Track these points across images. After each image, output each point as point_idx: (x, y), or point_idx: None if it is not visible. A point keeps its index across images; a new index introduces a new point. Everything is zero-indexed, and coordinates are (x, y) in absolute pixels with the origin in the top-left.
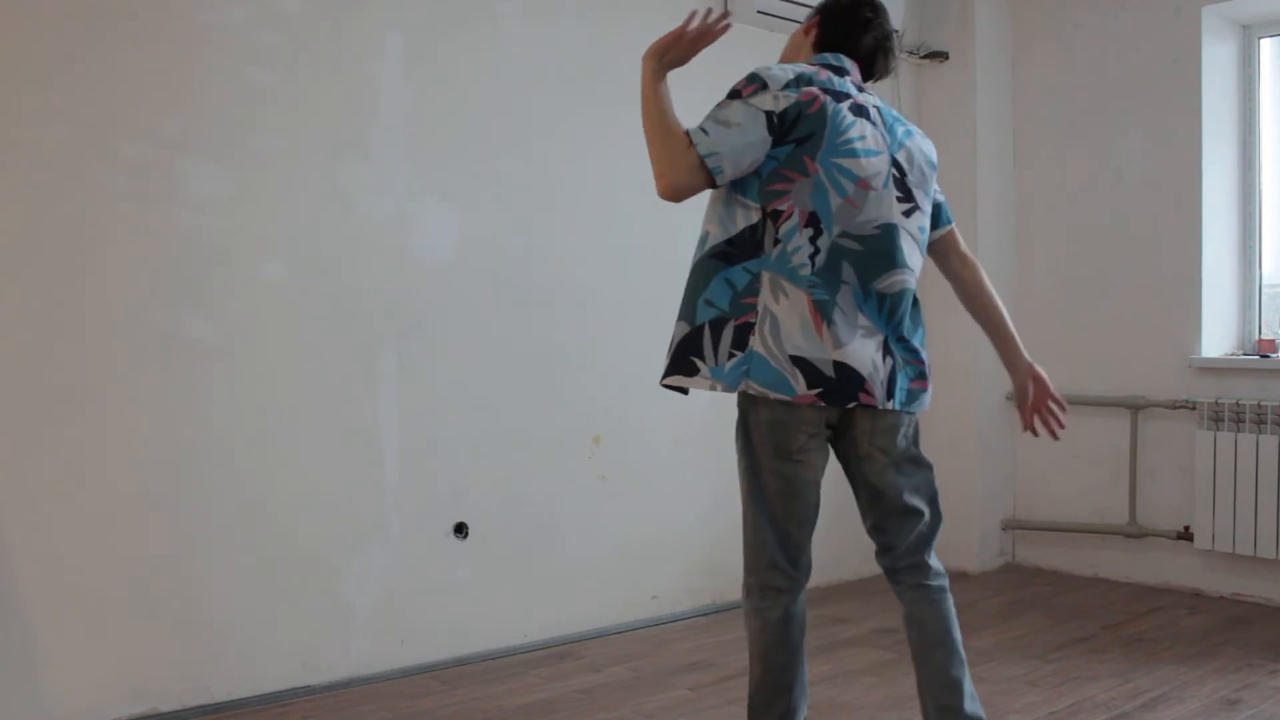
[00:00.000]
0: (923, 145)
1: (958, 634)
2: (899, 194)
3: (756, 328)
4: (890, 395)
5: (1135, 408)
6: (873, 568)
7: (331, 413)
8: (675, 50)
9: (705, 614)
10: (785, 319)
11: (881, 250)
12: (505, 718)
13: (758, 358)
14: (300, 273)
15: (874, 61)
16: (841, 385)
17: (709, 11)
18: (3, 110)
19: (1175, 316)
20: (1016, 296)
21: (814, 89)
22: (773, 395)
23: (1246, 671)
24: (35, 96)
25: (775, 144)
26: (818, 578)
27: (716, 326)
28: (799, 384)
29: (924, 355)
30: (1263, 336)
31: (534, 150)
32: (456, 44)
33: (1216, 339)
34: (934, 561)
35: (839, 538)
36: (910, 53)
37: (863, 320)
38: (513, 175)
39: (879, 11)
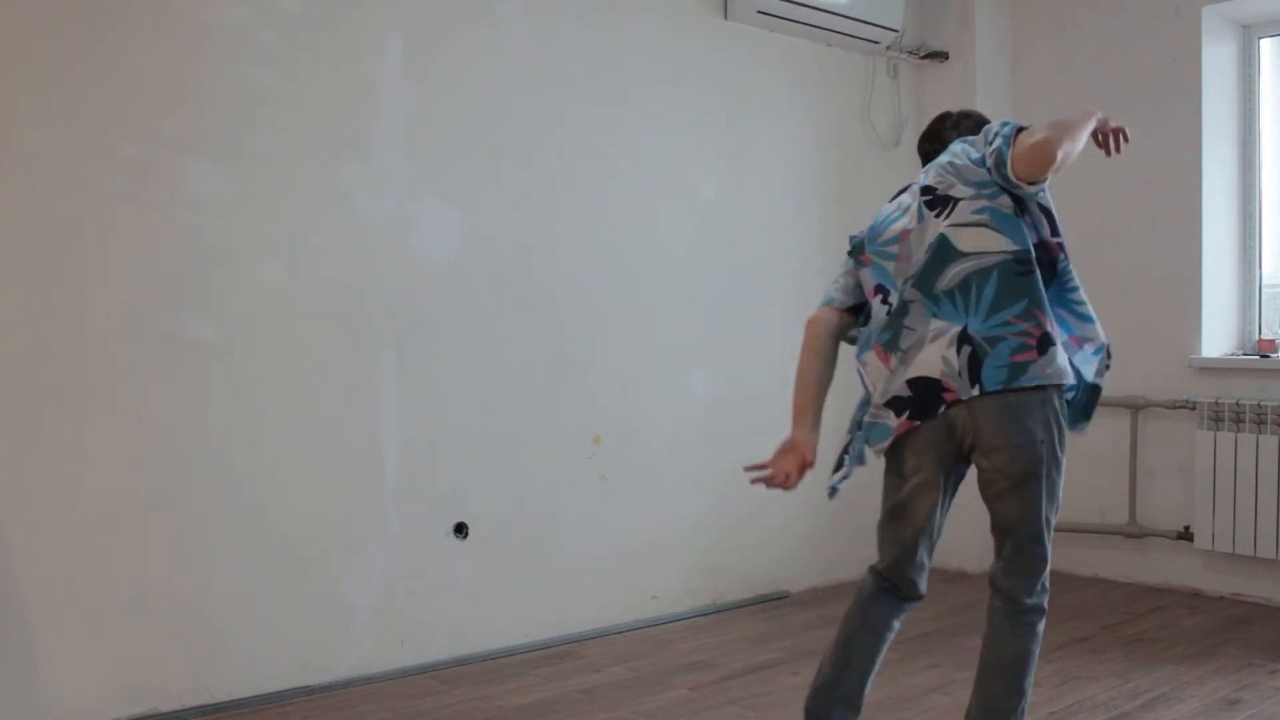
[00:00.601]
0: (956, 149)
1: (1023, 667)
2: (934, 211)
3: (858, 405)
4: (975, 381)
5: (1135, 408)
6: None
7: (331, 413)
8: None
9: (705, 614)
10: (873, 381)
11: (932, 262)
12: (505, 718)
13: (866, 426)
14: (300, 273)
15: (930, 151)
16: (921, 398)
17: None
18: (3, 110)
19: (1175, 316)
20: None
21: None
22: (882, 444)
23: (1246, 671)
24: (35, 96)
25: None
26: (817, 578)
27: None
28: (892, 420)
29: (1026, 326)
30: (1263, 336)
31: (534, 150)
32: (456, 44)
33: (1216, 339)
34: (1035, 588)
35: (839, 538)
36: (910, 53)
37: (935, 325)
38: (513, 175)
39: (932, 137)
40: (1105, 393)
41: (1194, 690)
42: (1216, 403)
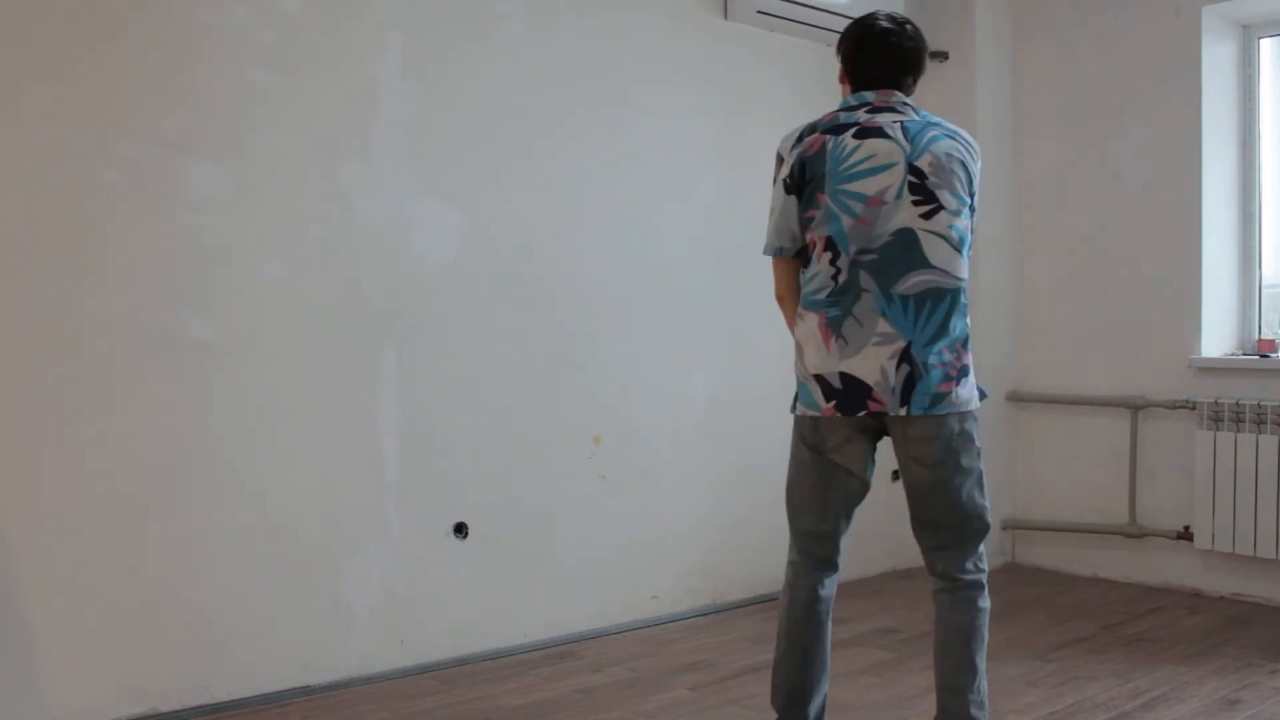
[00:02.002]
0: (955, 148)
1: (975, 642)
2: (915, 198)
3: (796, 358)
4: (905, 402)
5: (1135, 408)
6: (872, 568)
7: (331, 413)
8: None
9: (705, 614)
10: (805, 342)
11: (896, 255)
12: (505, 718)
13: (799, 381)
14: (300, 273)
15: (895, 79)
16: (849, 394)
17: None
18: (3, 110)
19: (1175, 316)
20: (1017, 296)
21: (816, 134)
22: (809, 412)
23: (1246, 671)
24: (35, 96)
25: (799, 197)
26: None
27: None
28: (820, 398)
29: (952, 359)
30: (1263, 336)
31: (534, 150)
32: (456, 44)
33: (1216, 339)
34: (967, 567)
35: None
36: None
37: (883, 326)
38: (513, 175)
39: (879, 36)
40: (1106, 392)
41: (1194, 690)
42: (1216, 403)
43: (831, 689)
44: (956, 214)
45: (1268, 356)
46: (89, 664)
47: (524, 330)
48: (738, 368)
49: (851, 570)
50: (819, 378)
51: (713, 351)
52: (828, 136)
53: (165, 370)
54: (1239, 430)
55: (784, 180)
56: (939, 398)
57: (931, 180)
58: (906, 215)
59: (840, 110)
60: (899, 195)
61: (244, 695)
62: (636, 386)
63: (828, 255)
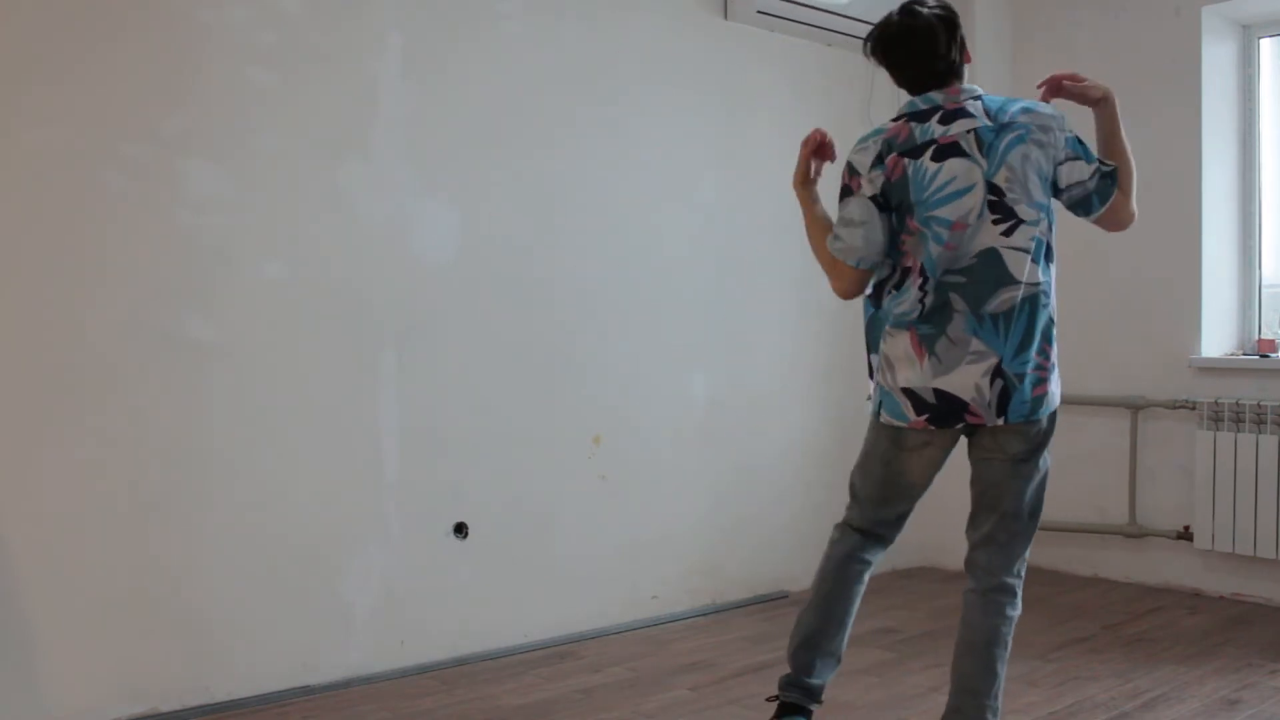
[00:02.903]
0: (1029, 149)
1: (999, 648)
2: (995, 216)
3: (876, 371)
4: (1002, 413)
5: (1135, 408)
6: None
7: (331, 413)
8: (801, 168)
9: (705, 614)
10: (896, 360)
11: (984, 277)
12: (505, 718)
13: (884, 391)
14: (300, 273)
15: (943, 74)
16: (946, 410)
17: (816, 132)
18: (3, 110)
19: (1175, 316)
20: None
21: (894, 156)
22: (895, 422)
23: (1246, 671)
24: (35, 96)
25: (889, 214)
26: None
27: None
28: (909, 411)
29: (1041, 361)
30: (1263, 336)
31: (534, 150)
32: (456, 44)
33: (1216, 339)
34: (1009, 568)
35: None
36: None
37: (976, 345)
38: (513, 175)
39: (898, 37)
40: (1106, 392)
41: (1194, 690)
42: (1216, 403)
43: (832, 689)
44: (1035, 224)
45: (1268, 356)
46: (89, 664)
47: (524, 330)
48: (738, 368)
49: None
50: (908, 392)
51: (713, 351)
52: (907, 160)
53: (165, 370)
54: (1239, 430)
55: (873, 197)
56: (1036, 402)
57: (1010, 196)
58: (988, 235)
59: (911, 119)
60: (980, 215)
61: (244, 695)
62: (636, 386)
63: (919, 279)
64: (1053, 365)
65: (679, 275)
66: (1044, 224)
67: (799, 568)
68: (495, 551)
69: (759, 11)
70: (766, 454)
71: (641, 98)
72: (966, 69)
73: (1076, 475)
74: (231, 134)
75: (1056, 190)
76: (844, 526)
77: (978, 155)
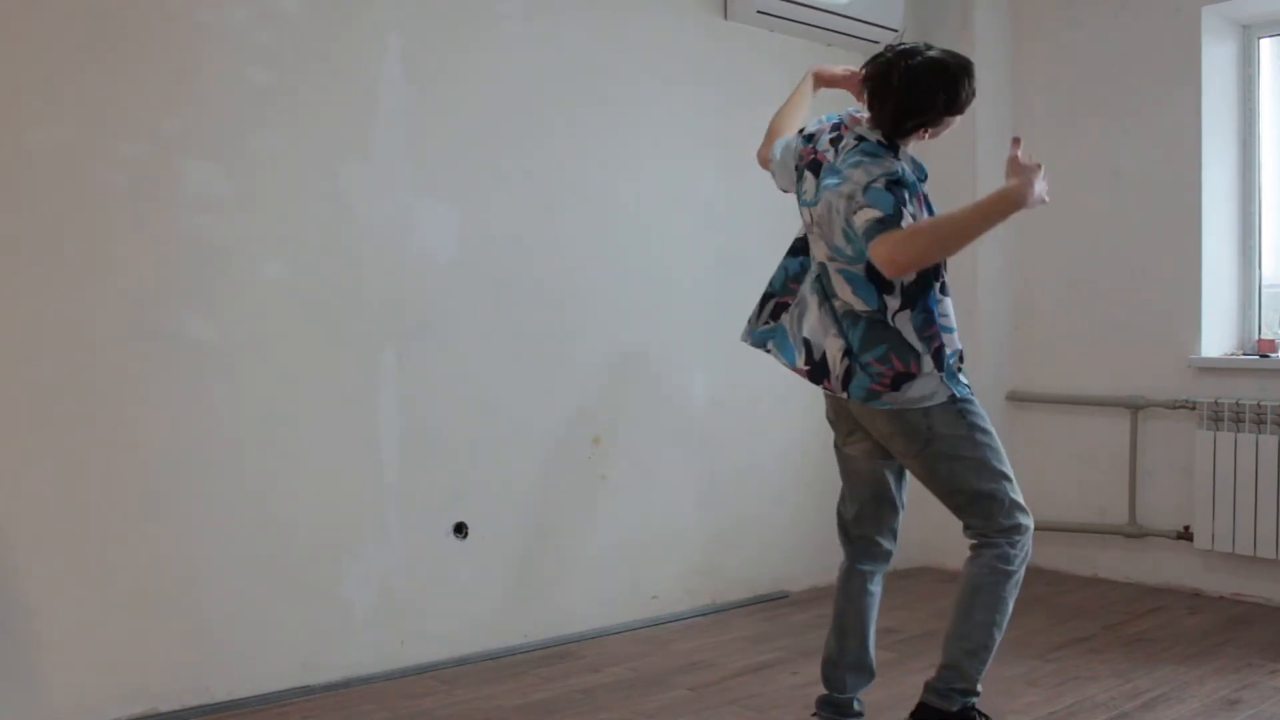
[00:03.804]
0: (834, 201)
1: (979, 596)
2: (823, 241)
3: (791, 308)
4: (845, 388)
5: (1135, 408)
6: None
7: (331, 413)
8: (826, 75)
9: (705, 614)
10: (809, 307)
11: (827, 280)
12: (505, 718)
13: (781, 330)
14: (300, 273)
15: (871, 109)
16: (818, 369)
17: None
18: (3, 110)
19: (1175, 316)
20: (1016, 296)
21: (809, 146)
22: (776, 357)
23: (1246, 671)
24: (35, 96)
25: (799, 181)
26: (817, 578)
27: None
28: (800, 358)
29: (878, 369)
30: (1263, 336)
31: (534, 150)
32: (456, 44)
33: (1216, 339)
34: (981, 532)
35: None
36: None
37: (833, 327)
38: (513, 175)
39: (875, 61)
40: (1106, 392)
41: (1194, 690)
42: (1216, 403)
43: None
44: (833, 259)
45: (1268, 356)
46: (89, 664)
47: (524, 330)
48: (738, 368)
49: None
50: (807, 342)
51: (713, 351)
52: (809, 157)
53: (165, 370)
54: (1239, 430)
55: (799, 140)
56: (873, 394)
57: (820, 230)
58: (821, 250)
59: (830, 126)
60: (813, 231)
61: (244, 695)
62: (636, 386)
63: (805, 237)
64: (899, 374)
65: (679, 275)
66: (849, 259)
67: (799, 568)
68: (495, 551)
69: (759, 11)
70: (766, 454)
71: (641, 98)
72: (923, 138)
73: (1076, 475)
74: (231, 134)
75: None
76: (840, 540)
77: (818, 183)
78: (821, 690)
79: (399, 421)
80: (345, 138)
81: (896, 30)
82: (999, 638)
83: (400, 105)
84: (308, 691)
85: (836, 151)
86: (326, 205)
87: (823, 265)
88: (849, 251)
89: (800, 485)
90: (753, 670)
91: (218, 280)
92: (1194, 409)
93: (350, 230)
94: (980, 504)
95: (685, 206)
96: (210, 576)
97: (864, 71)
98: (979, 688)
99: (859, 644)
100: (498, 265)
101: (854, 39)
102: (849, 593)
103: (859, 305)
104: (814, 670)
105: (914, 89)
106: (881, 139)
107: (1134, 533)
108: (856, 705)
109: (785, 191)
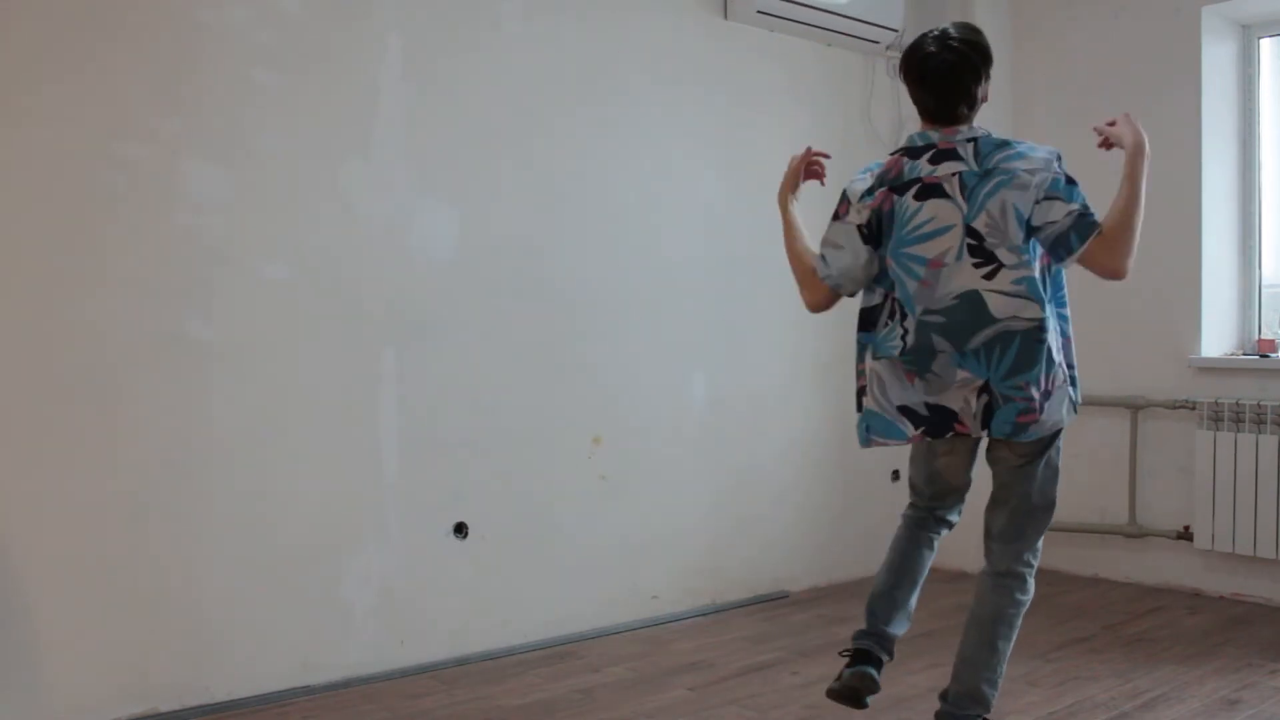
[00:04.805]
0: (1011, 194)
1: (1000, 625)
2: (975, 260)
3: (867, 389)
4: (986, 426)
5: (1135, 408)
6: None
7: (331, 413)
8: (787, 183)
9: (705, 614)
10: (886, 377)
11: (965, 318)
12: (505, 718)
13: (870, 413)
14: (300, 273)
15: (954, 115)
16: (938, 420)
17: (807, 150)
18: (3, 110)
19: (1175, 316)
20: None
21: (883, 191)
22: (888, 442)
23: (1246, 671)
24: (35, 96)
25: (876, 246)
26: (817, 578)
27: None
28: (907, 428)
29: (1033, 390)
30: (1263, 336)
31: (534, 150)
32: (457, 44)
33: (1216, 339)
34: (1019, 557)
35: (839, 539)
36: None
37: (961, 375)
38: (513, 175)
39: (920, 64)
40: (1106, 392)
41: (1194, 690)
42: (1216, 403)
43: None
44: (1017, 267)
45: (1268, 356)
46: (89, 664)
47: (524, 330)
48: (738, 368)
49: (851, 570)
50: (904, 409)
51: (713, 351)
52: (895, 195)
53: (165, 370)
54: (1239, 430)
55: (858, 226)
56: (1019, 428)
57: (989, 241)
58: (969, 277)
59: (905, 154)
60: (959, 257)
61: (244, 695)
62: (636, 386)
63: (901, 315)
64: (1051, 392)
65: (679, 275)
66: (1029, 260)
67: (799, 568)
68: (495, 551)
69: (759, 11)
70: (766, 454)
71: (641, 98)
72: (981, 107)
73: (1077, 475)
74: (231, 134)
75: (1033, 230)
76: (910, 508)
77: (959, 199)
78: (859, 627)
79: (399, 421)
80: (345, 138)
81: (896, 30)
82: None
83: (400, 105)
84: (308, 691)
85: (961, 161)
86: (326, 205)
87: (964, 298)
88: (1031, 255)
89: (800, 485)
90: (753, 670)
91: (218, 280)
92: (1194, 409)
93: (350, 230)
94: (1039, 522)
95: (685, 206)
96: (210, 576)
97: (917, 70)
98: (993, 709)
99: (909, 586)
100: (498, 265)
101: (854, 39)
102: (915, 540)
103: (1027, 314)
104: (814, 670)
105: (983, 60)
106: (987, 132)
107: (1134, 533)
108: (893, 645)
109: (861, 285)
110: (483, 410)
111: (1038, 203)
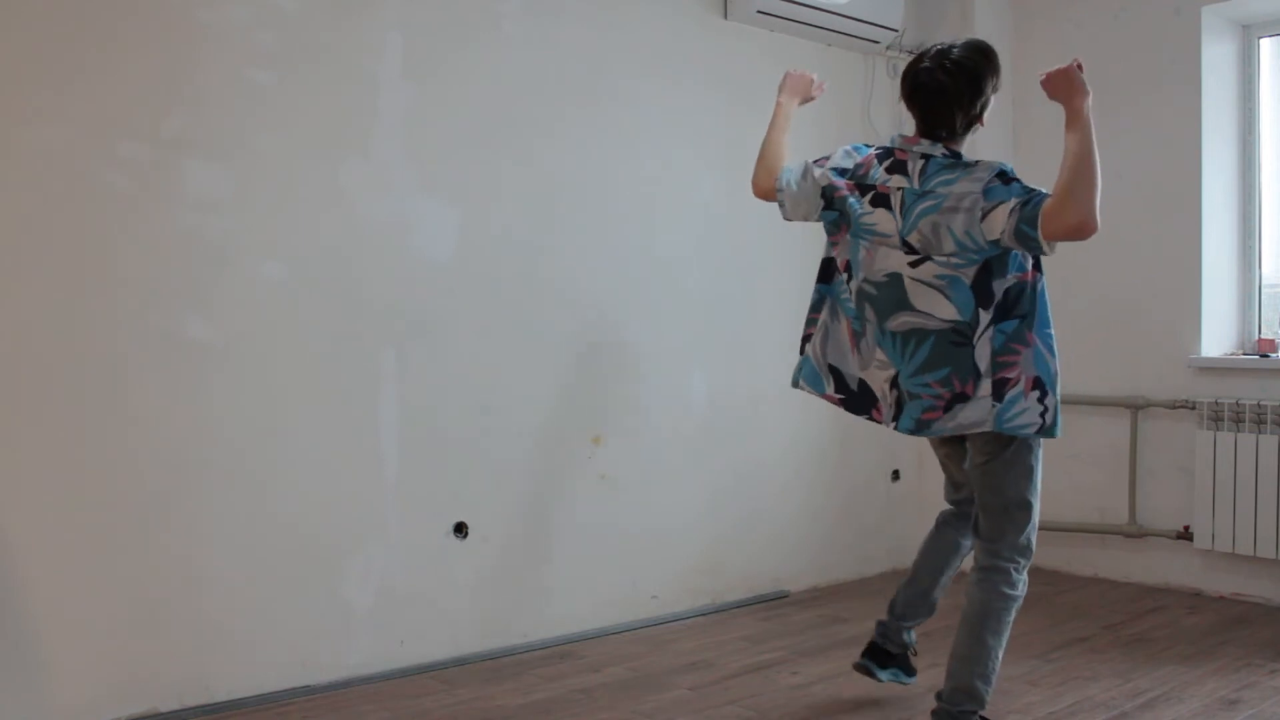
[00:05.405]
0: (940, 220)
1: (989, 620)
2: (905, 250)
3: (812, 337)
4: (895, 419)
5: (1135, 408)
6: (872, 568)
7: (331, 413)
8: (798, 91)
9: (705, 614)
10: (833, 336)
11: (888, 295)
12: (505, 718)
13: (806, 359)
14: (300, 273)
15: (928, 125)
16: (860, 399)
17: (821, 84)
18: (3, 110)
19: (1175, 316)
20: None
21: (850, 182)
22: (813, 393)
23: (1246, 671)
24: (35, 96)
25: (825, 208)
26: (817, 577)
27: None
28: (829, 385)
29: (941, 389)
30: (1263, 336)
31: (534, 150)
32: (456, 44)
33: (1216, 339)
34: (998, 552)
35: (839, 538)
36: (910, 52)
37: (879, 356)
38: (513, 175)
39: (910, 78)
40: (1106, 392)
41: (1194, 690)
42: (1216, 403)
43: (829, 689)
44: (945, 265)
45: (1268, 356)
46: (89, 664)
47: (524, 330)
48: (738, 368)
49: (850, 570)
50: (833, 370)
51: (713, 351)
52: (857, 190)
53: (165, 370)
54: (1239, 430)
55: (823, 188)
56: (921, 424)
57: (920, 249)
58: (898, 261)
59: (879, 155)
60: (895, 246)
61: (244, 695)
62: (636, 386)
63: (846, 273)
64: (969, 396)
65: (679, 275)
66: (960, 264)
67: (799, 567)
68: (495, 551)
69: (759, 11)
70: (766, 453)
71: (641, 97)
72: (976, 130)
73: (1076, 475)
74: (231, 134)
75: (996, 244)
76: (945, 507)
77: (898, 214)
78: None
79: (399, 421)
80: (345, 138)
81: (896, 30)
82: (1001, 657)
83: (400, 105)
84: (308, 691)
85: (907, 177)
86: (326, 205)
87: (891, 277)
88: (963, 260)
89: (800, 485)
90: (753, 670)
91: (218, 280)
92: (1194, 409)
93: (350, 230)
94: (1016, 520)
95: (685, 206)
96: (210, 576)
97: (908, 85)
98: (986, 704)
99: (932, 579)
100: (498, 265)
101: (854, 39)
102: (939, 535)
103: (943, 315)
104: (814, 670)
105: (972, 87)
106: (946, 152)
107: (1134, 533)
108: (907, 637)
109: (792, 220)
110: (483, 410)
111: (983, 221)
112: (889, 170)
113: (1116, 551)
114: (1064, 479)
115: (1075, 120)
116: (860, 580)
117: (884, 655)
